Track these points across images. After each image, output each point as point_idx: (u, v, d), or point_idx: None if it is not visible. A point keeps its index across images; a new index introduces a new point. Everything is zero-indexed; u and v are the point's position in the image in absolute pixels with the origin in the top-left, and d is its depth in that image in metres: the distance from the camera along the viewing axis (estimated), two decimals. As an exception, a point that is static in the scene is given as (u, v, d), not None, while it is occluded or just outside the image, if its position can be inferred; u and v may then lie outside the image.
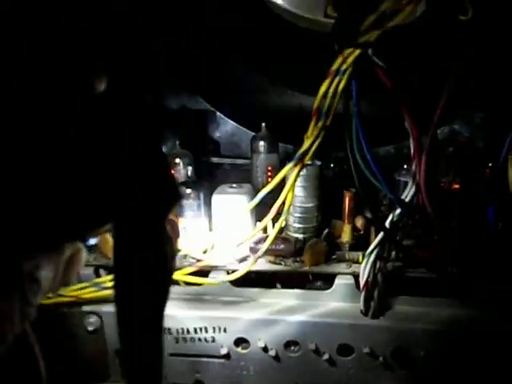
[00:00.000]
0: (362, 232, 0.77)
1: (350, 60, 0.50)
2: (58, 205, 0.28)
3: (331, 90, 0.54)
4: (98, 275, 0.73)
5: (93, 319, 0.71)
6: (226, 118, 1.18)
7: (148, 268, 0.34)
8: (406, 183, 0.67)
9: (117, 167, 0.30)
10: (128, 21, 0.36)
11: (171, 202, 0.35)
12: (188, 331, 0.70)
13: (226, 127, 1.19)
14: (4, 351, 0.30)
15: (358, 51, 0.49)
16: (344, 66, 0.51)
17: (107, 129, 0.30)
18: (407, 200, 0.62)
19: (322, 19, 0.54)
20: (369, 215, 0.75)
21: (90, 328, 0.71)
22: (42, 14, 0.28)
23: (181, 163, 0.88)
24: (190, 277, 0.69)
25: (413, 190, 0.62)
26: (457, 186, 0.85)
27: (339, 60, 0.51)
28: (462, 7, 0.50)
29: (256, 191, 0.76)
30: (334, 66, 0.52)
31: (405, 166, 0.73)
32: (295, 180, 0.64)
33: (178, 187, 0.36)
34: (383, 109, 0.83)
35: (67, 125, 0.28)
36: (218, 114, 1.17)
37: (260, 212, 0.75)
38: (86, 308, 0.71)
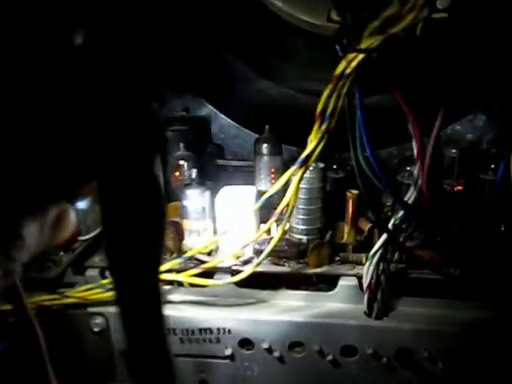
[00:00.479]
0: (365, 234, 0.78)
1: (353, 64, 0.50)
2: (40, 163, 0.28)
3: (335, 93, 0.54)
4: (103, 276, 0.73)
5: (99, 320, 0.72)
6: (230, 120, 1.18)
7: (139, 215, 0.33)
8: (408, 185, 0.67)
9: (96, 118, 0.30)
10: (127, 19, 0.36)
11: (155, 142, 0.34)
12: (193, 332, 0.71)
13: (229, 129, 1.20)
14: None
15: (361, 56, 0.49)
16: (348, 71, 0.51)
17: (87, 79, 0.29)
18: (410, 202, 0.63)
19: (324, 24, 0.54)
20: (372, 217, 0.75)
21: (96, 329, 0.72)
22: None
23: (185, 165, 0.89)
24: (195, 278, 0.70)
25: (415, 192, 0.62)
26: (460, 188, 0.86)
27: (343, 64, 0.51)
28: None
29: (260, 193, 0.77)
30: (338, 71, 0.52)
31: (408, 169, 0.74)
32: (299, 183, 0.64)
33: (162, 129, 0.36)
34: (386, 110, 0.84)
35: (47, 78, 0.28)
36: (222, 116, 1.18)
37: (264, 214, 0.75)
38: (91, 309, 0.72)
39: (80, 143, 0.30)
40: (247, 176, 1.00)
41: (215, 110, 1.18)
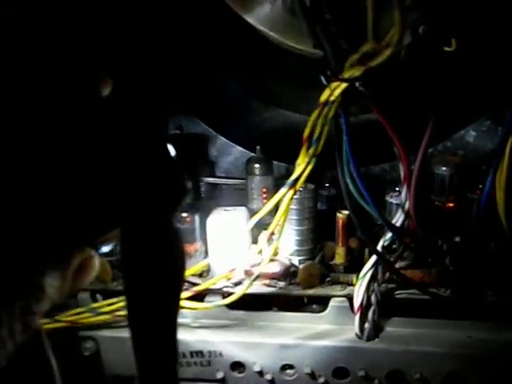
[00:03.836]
0: (356, 253, 0.78)
1: (337, 92, 0.51)
2: (63, 210, 0.28)
3: (321, 118, 0.55)
4: (94, 300, 0.73)
5: (89, 344, 0.71)
6: (224, 138, 1.19)
7: (160, 269, 0.34)
8: (398, 206, 0.68)
9: (121, 168, 0.30)
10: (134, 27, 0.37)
11: (178, 197, 0.34)
12: (184, 355, 0.71)
13: (223, 147, 1.21)
14: (8, 360, 0.29)
15: (344, 84, 0.50)
16: (332, 98, 0.52)
17: (110, 129, 0.30)
18: (398, 224, 0.63)
19: (310, 50, 0.55)
20: (362, 237, 0.75)
21: (87, 353, 0.71)
22: (44, 18, 0.29)
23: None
24: (186, 301, 0.70)
25: (403, 214, 0.63)
26: (451, 205, 0.86)
27: (327, 92, 0.52)
28: (446, 38, 0.52)
29: (252, 214, 0.77)
30: (323, 98, 0.53)
31: (397, 189, 0.74)
32: (288, 204, 0.65)
33: (185, 182, 0.36)
34: (378, 126, 0.85)
35: (72, 127, 0.28)
36: (215, 134, 1.19)
37: (256, 234, 0.76)
38: (82, 333, 0.72)
39: (102, 193, 0.30)
40: (240, 194, 1.00)
41: (209, 129, 1.19)
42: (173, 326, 0.37)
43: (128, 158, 0.30)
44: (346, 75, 0.49)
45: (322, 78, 0.52)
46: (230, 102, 1.16)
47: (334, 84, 0.51)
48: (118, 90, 0.31)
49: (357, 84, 0.51)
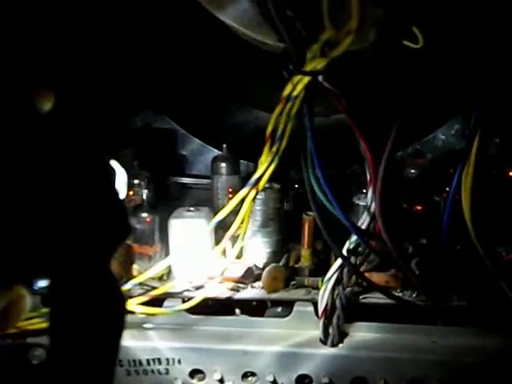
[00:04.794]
0: (322, 256, 0.76)
1: (299, 87, 0.49)
2: None
3: (284, 115, 0.53)
4: (44, 305, 0.69)
5: (38, 352, 0.67)
6: (192, 137, 1.16)
7: (94, 314, 0.31)
8: (365, 207, 0.66)
9: (55, 202, 0.27)
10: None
11: (119, 238, 0.31)
12: (140, 363, 0.67)
13: (191, 146, 1.18)
14: None
15: (306, 78, 0.48)
16: (294, 93, 0.50)
17: (48, 153, 0.26)
18: (364, 226, 0.61)
19: (276, 43, 0.53)
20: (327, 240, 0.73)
21: (35, 361, 0.67)
22: None
23: (140, 184, 0.86)
24: (143, 307, 0.66)
25: (369, 216, 0.61)
26: (419, 208, 0.85)
27: (289, 87, 0.50)
28: (412, 35, 0.50)
29: (216, 213, 0.74)
30: (285, 93, 0.51)
31: (364, 190, 0.72)
32: (250, 204, 0.62)
33: (127, 220, 0.32)
34: (346, 128, 0.83)
35: (4, 149, 0.25)
36: (184, 132, 1.16)
37: (220, 236, 0.72)
38: (31, 340, 0.67)
39: (33, 232, 0.26)
40: (208, 195, 0.97)
41: (177, 127, 1.15)
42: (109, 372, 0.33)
43: (67, 189, 0.27)
44: (308, 68, 0.47)
45: (284, 71, 0.49)
46: (200, 100, 1.14)
47: (296, 78, 0.48)
48: (61, 105, 0.27)
49: (320, 78, 0.49)
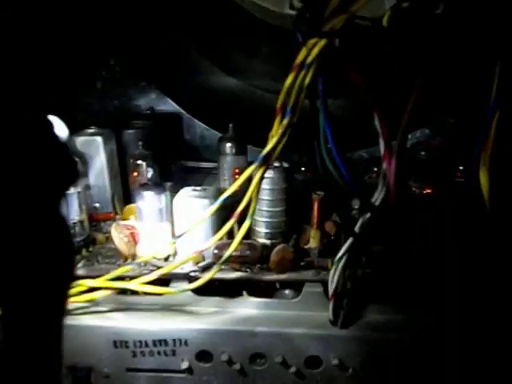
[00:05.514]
0: (332, 237, 0.74)
1: (315, 52, 0.46)
2: None
3: (296, 85, 0.51)
4: None
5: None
6: (196, 120, 1.14)
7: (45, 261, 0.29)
8: (376, 186, 0.64)
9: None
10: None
11: (65, 181, 0.30)
12: (146, 344, 0.66)
13: (196, 129, 1.16)
14: None
15: (323, 41, 0.45)
16: (309, 59, 0.47)
17: None
18: (377, 203, 0.59)
19: (288, 11, 0.51)
20: (338, 220, 0.72)
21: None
22: None
23: (143, 165, 0.84)
24: (149, 286, 0.64)
25: (383, 192, 0.59)
26: (429, 191, 0.83)
27: (303, 52, 0.47)
28: (432, 1, 0.48)
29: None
30: (299, 59, 0.48)
31: (375, 169, 0.71)
32: (259, 182, 0.60)
33: (72, 163, 0.31)
34: (355, 111, 0.81)
35: None
36: (188, 115, 1.14)
37: (227, 216, 0.71)
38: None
39: None
40: (213, 178, 0.96)
41: (181, 110, 1.13)
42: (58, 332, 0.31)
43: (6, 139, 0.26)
44: (326, 28, 0.45)
45: (298, 34, 0.47)
46: (203, 81, 1.11)
47: (312, 41, 0.46)
48: None
49: (336, 42, 0.46)
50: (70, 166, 0.31)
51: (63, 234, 0.31)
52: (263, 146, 0.94)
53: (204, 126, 1.16)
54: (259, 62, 1.02)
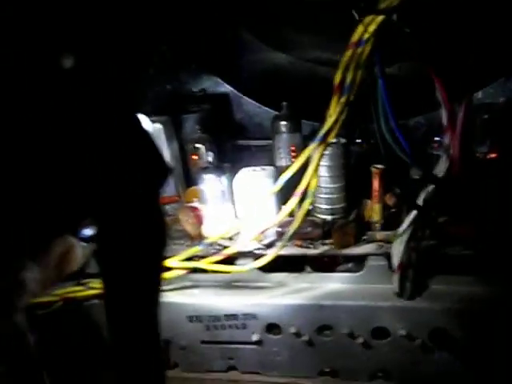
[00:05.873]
0: (393, 210, 0.74)
1: (371, 29, 0.46)
2: (36, 197, 0.26)
3: (353, 62, 0.50)
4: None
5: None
6: (248, 99, 1.15)
7: (138, 251, 0.32)
8: (438, 156, 0.63)
9: (93, 151, 0.28)
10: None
11: (159, 179, 0.33)
12: (218, 318, 0.70)
13: (248, 107, 1.16)
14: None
15: (380, 18, 0.45)
16: (366, 36, 0.47)
17: (79, 107, 0.27)
18: (440, 175, 0.58)
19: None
20: (398, 191, 0.71)
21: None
22: None
23: (202, 148, 0.87)
24: (217, 265, 0.68)
25: (446, 164, 0.58)
26: (494, 156, 0.80)
27: (360, 29, 0.47)
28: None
29: (280, 173, 0.74)
30: (355, 37, 0.48)
31: (436, 139, 0.69)
32: (319, 160, 0.61)
33: (164, 162, 0.34)
34: (412, 77, 0.78)
35: (36, 105, 0.26)
36: (240, 94, 1.14)
37: (286, 195, 0.72)
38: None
39: (77, 176, 0.27)
40: (269, 155, 0.97)
41: (232, 89, 1.14)
42: (153, 312, 0.35)
43: (102, 138, 0.28)
44: (383, 5, 0.44)
45: (354, 12, 0.46)
46: (252, 59, 1.11)
47: (368, 18, 0.45)
48: (82, 62, 0.28)
49: (394, 17, 0.45)
50: (162, 163, 0.33)
51: (159, 220, 0.33)
52: (316, 119, 0.93)
53: (256, 103, 1.16)
54: (308, 35, 1.00)
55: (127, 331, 0.34)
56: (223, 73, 1.13)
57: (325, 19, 0.92)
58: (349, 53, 0.49)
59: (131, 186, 0.30)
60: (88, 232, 0.39)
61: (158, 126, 0.84)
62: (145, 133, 0.31)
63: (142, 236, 0.32)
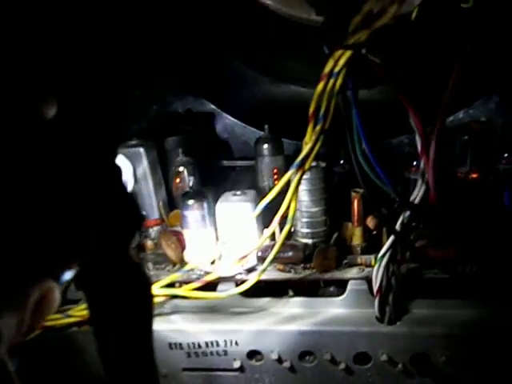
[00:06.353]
0: (374, 233, 0.74)
1: (341, 62, 0.47)
2: (13, 244, 0.26)
3: (326, 92, 0.51)
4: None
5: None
6: (233, 119, 1.16)
7: (124, 299, 0.32)
8: (416, 181, 0.63)
9: (72, 198, 0.28)
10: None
11: (134, 227, 0.33)
12: (199, 345, 0.69)
13: (233, 128, 1.17)
14: None
15: (348, 52, 0.46)
16: (337, 69, 0.48)
17: (59, 155, 0.27)
18: (417, 201, 0.59)
19: (315, 18, 0.51)
20: (379, 216, 0.71)
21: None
22: None
23: (185, 172, 0.87)
24: (198, 292, 0.68)
25: (422, 189, 0.59)
26: (475, 176, 0.81)
27: (331, 63, 0.48)
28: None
29: (261, 196, 0.74)
30: (326, 69, 0.49)
31: (414, 163, 0.69)
32: (297, 186, 0.61)
33: (139, 211, 0.35)
34: (394, 96, 0.79)
35: (17, 154, 0.26)
36: (225, 115, 1.16)
37: (268, 218, 0.72)
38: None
39: (55, 223, 0.27)
40: (253, 176, 0.97)
41: (218, 110, 1.15)
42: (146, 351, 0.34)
43: (80, 186, 0.28)
44: (350, 41, 0.45)
45: (325, 46, 0.47)
46: (236, 80, 1.12)
47: (338, 53, 0.46)
48: (65, 111, 0.28)
49: (363, 51, 0.46)
50: (136, 217, 0.33)
51: (136, 272, 0.34)
52: (299, 138, 0.93)
53: (241, 123, 1.17)
54: (292, 57, 1.01)
55: (123, 371, 0.34)
56: (208, 93, 1.15)
57: (307, 45, 0.93)
58: (321, 84, 0.50)
59: (106, 235, 0.30)
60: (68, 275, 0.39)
61: (140, 149, 0.84)
62: (122, 183, 0.32)
63: (121, 280, 0.32)
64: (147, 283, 0.35)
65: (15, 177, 0.26)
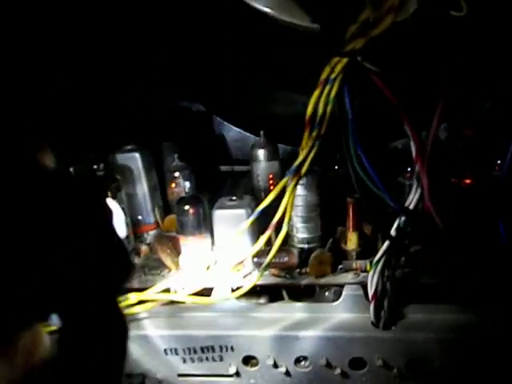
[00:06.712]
0: (369, 238, 0.74)
1: (337, 69, 0.47)
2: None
3: (322, 98, 0.51)
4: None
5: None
6: (229, 124, 1.16)
7: (99, 346, 0.32)
8: (411, 187, 0.64)
9: (59, 247, 0.28)
10: None
11: (121, 278, 0.33)
12: (195, 351, 0.69)
13: (229, 133, 1.18)
14: None
15: (345, 59, 0.46)
16: (333, 75, 0.48)
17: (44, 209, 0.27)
18: (411, 207, 0.59)
19: (312, 25, 0.51)
20: (375, 221, 0.72)
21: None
22: None
23: (180, 177, 0.87)
24: (193, 297, 0.67)
25: (417, 195, 0.59)
26: (468, 181, 0.82)
27: (327, 69, 0.48)
28: (456, 3, 0.47)
29: (258, 202, 0.74)
30: (323, 76, 0.49)
31: (409, 169, 0.70)
32: (292, 191, 0.61)
33: (128, 259, 0.35)
34: (387, 104, 0.80)
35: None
36: (220, 120, 1.16)
37: (264, 224, 0.72)
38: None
39: (43, 272, 0.27)
40: (249, 180, 0.97)
41: (214, 115, 1.15)
42: None
43: (68, 234, 0.28)
44: (347, 49, 0.45)
45: (321, 53, 0.48)
46: (233, 86, 1.13)
47: (334, 60, 0.47)
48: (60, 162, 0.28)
49: (358, 58, 0.47)
50: (125, 266, 0.33)
51: (120, 323, 0.33)
52: (296, 145, 0.94)
53: (237, 129, 1.17)
54: (291, 68, 1.02)
55: None
56: (204, 98, 1.15)
57: (306, 50, 0.94)
58: (317, 91, 0.50)
59: (96, 282, 0.30)
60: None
61: (136, 154, 0.84)
62: (112, 228, 0.32)
63: (104, 329, 0.32)
64: (125, 333, 0.34)
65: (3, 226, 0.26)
